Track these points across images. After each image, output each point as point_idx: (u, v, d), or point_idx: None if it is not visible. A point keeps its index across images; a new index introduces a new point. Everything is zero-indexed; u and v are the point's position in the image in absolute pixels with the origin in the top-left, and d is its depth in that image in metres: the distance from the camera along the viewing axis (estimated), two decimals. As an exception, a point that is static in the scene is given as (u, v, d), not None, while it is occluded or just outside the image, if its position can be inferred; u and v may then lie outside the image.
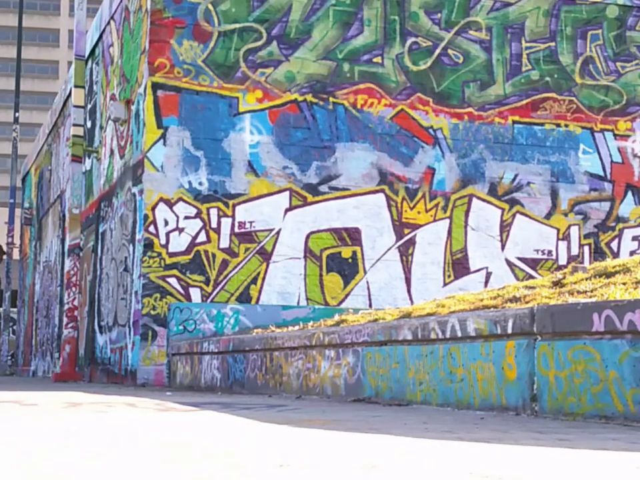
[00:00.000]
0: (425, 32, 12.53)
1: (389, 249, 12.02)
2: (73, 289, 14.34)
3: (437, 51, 12.53)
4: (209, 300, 11.44)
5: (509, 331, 4.61)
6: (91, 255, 14.99)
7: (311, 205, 11.85)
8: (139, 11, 12.43)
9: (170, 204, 11.48)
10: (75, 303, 14.36)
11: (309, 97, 12.01)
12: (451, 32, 12.60)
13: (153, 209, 11.42)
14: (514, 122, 12.65)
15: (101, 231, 14.42)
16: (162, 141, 11.53)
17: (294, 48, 12.04)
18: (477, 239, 12.38)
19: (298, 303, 11.63)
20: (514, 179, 12.58)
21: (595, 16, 13.17)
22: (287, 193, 11.83)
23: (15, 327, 28.90)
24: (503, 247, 12.46)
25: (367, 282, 11.89)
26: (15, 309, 28.83)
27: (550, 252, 12.60)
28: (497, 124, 12.60)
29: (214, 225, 11.60)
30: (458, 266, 12.28)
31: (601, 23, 13.19)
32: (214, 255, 11.53)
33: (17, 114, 26.00)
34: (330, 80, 12.11)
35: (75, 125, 14.87)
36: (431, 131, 12.40)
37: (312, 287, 11.74)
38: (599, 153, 12.94)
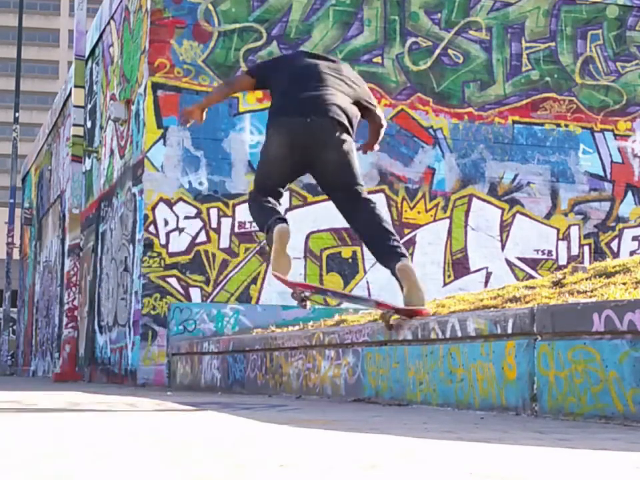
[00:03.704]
0: (425, 32, 12.53)
1: (389, 249, 12.00)
2: (73, 288, 14.35)
3: (437, 51, 12.53)
4: (209, 300, 11.44)
5: (509, 331, 4.60)
6: (91, 254, 14.99)
7: (310, 204, 11.86)
8: (139, 11, 12.43)
9: (170, 204, 11.48)
10: (75, 302, 14.36)
11: (309, 97, 12.00)
12: (451, 32, 12.60)
13: (153, 209, 11.42)
14: (514, 122, 12.66)
15: (101, 231, 14.43)
16: (162, 140, 11.53)
17: (294, 48, 12.03)
18: (476, 239, 12.38)
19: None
20: (514, 179, 12.59)
21: (595, 16, 13.17)
22: (287, 192, 11.83)
23: (14, 327, 28.91)
24: (503, 247, 12.46)
25: (367, 282, 11.89)
26: (15, 309, 28.83)
27: (550, 252, 12.60)
28: (497, 124, 12.60)
29: (214, 225, 11.60)
30: (458, 266, 12.28)
31: (601, 23, 13.19)
32: (214, 255, 11.53)
33: (17, 114, 26.01)
34: (330, 80, 12.09)
35: (75, 125, 14.87)
36: (430, 130, 12.40)
37: (312, 287, 11.73)
38: (599, 153, 12.95)
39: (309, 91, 5.62)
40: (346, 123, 5.69)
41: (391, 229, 5.59)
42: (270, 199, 5.82)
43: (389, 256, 5.51)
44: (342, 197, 5.72)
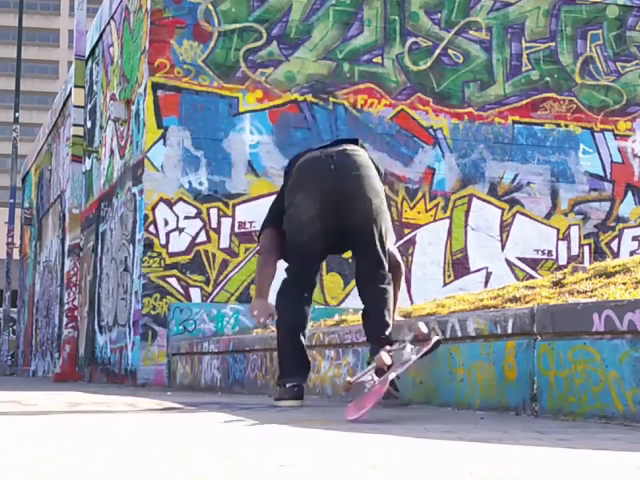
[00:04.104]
0: (425, 32, 12.53)
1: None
2: (73, 288, 14.35)
3: (437, 51, 12.53)
4: (209, 300, 11.44)
5: (509, 331, 4.60)
6: (91, 254, 14.99)
7: (310, 204, 11.84)
8: (138, 11, 12.43)
9: (170, 204, 11.48)
10: (75, 302, 14.36)
11: (309, 97, 12.01)
12: (451, 32, 12.60)
13: (153, 209, 11.42)
14: (514, 122, 12.66)
15: (100, 231, 14.42)
16: (162, 140, 11.53)
17: (294, 48, 12.04)
18: (476, 239, 12.38)
19: (298, 302, 11.61)
20: (514, 179, 12.59)
21: (595, 16, 13.17)
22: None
23: (14, 327, 28.91)
24: (503, 247, 12.46)
25: (367, 282, 11.87)
26: (15, 309, 28.83)
27: (550, 252, 12.60)
28: (497, 124, 12.60)
29: (214, 224, 11.60)
30: (458, 266, 12.28)
31: (601, 23, 13.19)
32: (214, 255, 11.53)
33: (17, 114, 26.01)
34: (330, 80, 12.11)
35: (75, 125, 14.87)
36: (430, 130, 12.40)
37: (312, 287, 11.72)
38: (599, 153, 12.95)
39: (325, 152, 5.40)
40: (370, 165, 5.29)
41: (387, 318, 5.23)
42: (305, 294, 5.63)
43: (374, 344, 5.16)
44: (360, 261, 5.38)
